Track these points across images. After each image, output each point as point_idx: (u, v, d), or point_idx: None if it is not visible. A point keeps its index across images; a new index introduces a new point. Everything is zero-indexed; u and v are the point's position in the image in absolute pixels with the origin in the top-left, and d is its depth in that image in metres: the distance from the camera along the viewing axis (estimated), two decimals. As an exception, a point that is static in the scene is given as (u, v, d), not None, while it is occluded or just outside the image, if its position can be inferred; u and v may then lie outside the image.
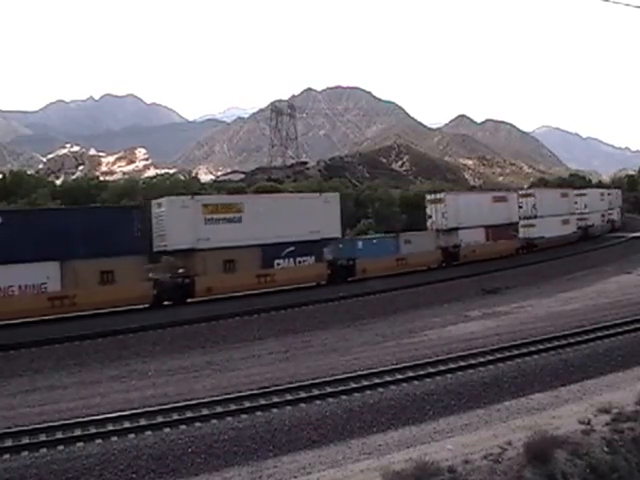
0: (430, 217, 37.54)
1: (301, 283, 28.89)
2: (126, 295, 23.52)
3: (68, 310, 22.50)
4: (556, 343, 16.62)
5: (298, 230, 28.51)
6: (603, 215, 56.19)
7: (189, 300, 25.60)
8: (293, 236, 28.34)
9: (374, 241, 33.95)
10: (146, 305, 24.54)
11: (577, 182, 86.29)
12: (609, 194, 60.97)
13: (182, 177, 74.28)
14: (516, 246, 41.32)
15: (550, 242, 43.33)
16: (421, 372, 14.49)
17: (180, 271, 26.51)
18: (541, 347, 16.28)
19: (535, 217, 43.26)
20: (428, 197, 39.12)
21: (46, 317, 22.08)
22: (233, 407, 12.63)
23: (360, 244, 32.75)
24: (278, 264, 28.22)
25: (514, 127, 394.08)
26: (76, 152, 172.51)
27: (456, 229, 36.81)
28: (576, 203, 50.48)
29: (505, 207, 41.01)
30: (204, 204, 26.77)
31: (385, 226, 47.14)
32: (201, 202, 26.95)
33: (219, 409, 12.53)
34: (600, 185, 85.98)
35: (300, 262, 28.99)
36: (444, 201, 37.28)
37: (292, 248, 28.56)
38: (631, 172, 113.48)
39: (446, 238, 36.55)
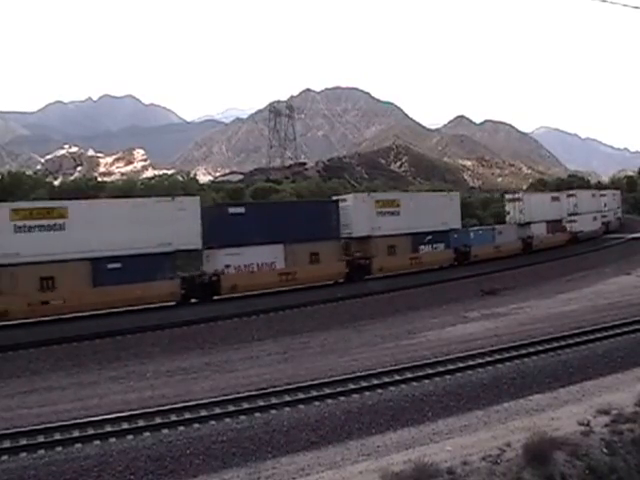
0: (508, 213, 44.52)
1: (437, 265, 35.05)
2: (327, 272, 29.65)
3: (291, 284, 28.06)
4: (555, 344, 16.58)
5: (434, 222, 34.77)
6: (615, 213, 61.94)
7: (367, 277, 31.03)
8: (431, 226, 34.64)
9: (480, 232, 39.66)
10: (341, 280, 30.25)
11: (576, 183, 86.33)
12: (616, 195, 66.30)
13: (180, 178, 74.12)
14: (567, 238, 47.36)
15: (586, 235, 49.62)
16: (420, 373, 14.46)
17: (357, 254, 31.46)
18: (540, 348, 16.25)
19: (576, 214, 49.55)
20: (507, 196, 47.01)
21: (277, 289, 27.71)
22: (231, 408, 12.61)
23: (472, 234, 38.39)
24: (422, 249, 34.36)
25: (513, 128, 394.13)
26: (74, 153, 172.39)
27: (529, 223, 43.27)
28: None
29: (558, 205, 47.78)
30: (376, 200, 33.08)
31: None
32: (374, 198, 33.44)
33: (217, 410, 12.51)
34: (599, 186, 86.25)
35: (435, 248, 35.07)
36: (522, 200, 44.25)
37: (430, 236, 34.65)
38: (630, 173, 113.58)
39: (522, 231, 42.86)
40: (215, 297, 26.08)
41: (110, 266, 22.96)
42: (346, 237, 31.23)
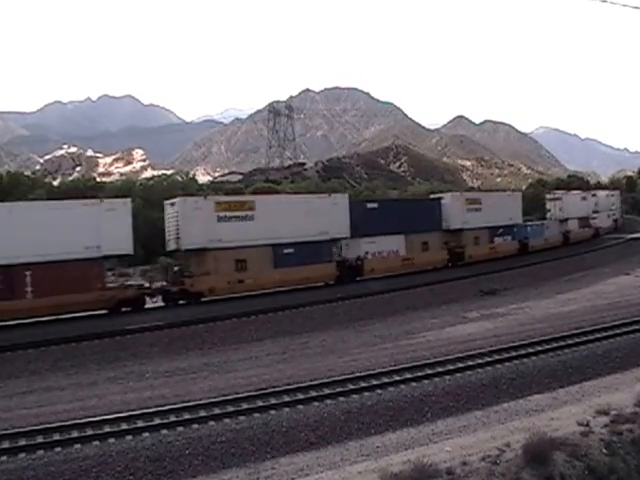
0: (549, 210, 50.75)
1: (504, 254, 39.37)
2: (434, 258, 35.03)
3: (410, 268, 33.02)
4: (554, 344, 16.58)
5: (504, 217, 40.39)
6: (618, 212, 66.58)
7: (460, 263, 36.21)
8: (501, 221, 40.23)
9: (534, 227, 44.98)
10: (440, 266, 35.13)
11: (576, 183, 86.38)
12: (617, 195, 70.46)
13: (179, 178, 73.92)
14: (592, 233, 52.31)
15: (604, 230, 55.16)
16: (419, 374, 14.45)
17: (452, 244, 36.53)
18: (539, 348, 16.25)
19: (597, 212, 55.70)
20: (548, 196, 53.25)
21: (400, 272, 32.25)
22: (231, 409, 12.59)
23: (529, 228, 43.74)
24: (496, 240, 40.05)
25: (512, 128, 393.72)
26: (73, 153, 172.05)
27: (567, 220, 49.20)
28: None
29: (585, 204, 53.40)
30: (466, 198, 39.28)
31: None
32: (465, 196, 40.18)
33: (217, 411, 12.49)
34: (598, 186, 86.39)
35: (505, 239, 40.73)
36: (561, 199, 50.63)
37: (502, 230, 40.28)
38: (629, 173, 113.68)
39: (561, 226, 48.48)
40: (358, 278, 30.55)
41: (286, 251, 27.59)
42: (445, 229, 36.16)
